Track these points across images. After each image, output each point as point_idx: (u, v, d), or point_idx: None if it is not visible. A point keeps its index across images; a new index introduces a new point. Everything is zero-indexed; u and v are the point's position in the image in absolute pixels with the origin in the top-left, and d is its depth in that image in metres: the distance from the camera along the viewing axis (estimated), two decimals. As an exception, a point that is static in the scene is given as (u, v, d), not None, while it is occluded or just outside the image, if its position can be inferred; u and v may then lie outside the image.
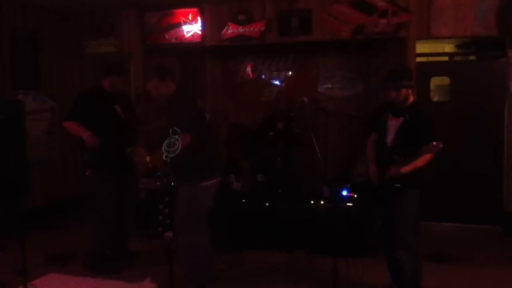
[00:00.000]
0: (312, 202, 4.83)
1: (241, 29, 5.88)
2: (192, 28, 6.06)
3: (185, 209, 3.69)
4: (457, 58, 6.17)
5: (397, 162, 3.44)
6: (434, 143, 3.26)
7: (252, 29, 5.85)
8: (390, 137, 3.60)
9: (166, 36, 6.16)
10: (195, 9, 6.04)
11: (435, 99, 5.70)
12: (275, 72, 6.70)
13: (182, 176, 3.65)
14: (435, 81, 5.69)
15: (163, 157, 3.46)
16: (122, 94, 4.55)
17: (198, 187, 3.68)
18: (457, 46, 6.30)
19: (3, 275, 4.05)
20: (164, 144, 3.40)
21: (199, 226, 3.73)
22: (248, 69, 6.80)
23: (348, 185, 4.91)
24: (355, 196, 4.73)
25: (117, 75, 4.40)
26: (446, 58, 6.08)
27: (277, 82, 6.69)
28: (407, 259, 3.61)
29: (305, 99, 5.43)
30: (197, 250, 3.72)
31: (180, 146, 3.34)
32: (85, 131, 4.13)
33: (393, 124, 3.61)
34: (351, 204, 4.63)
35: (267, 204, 4.90)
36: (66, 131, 4.48)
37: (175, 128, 3.40)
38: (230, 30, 5.92)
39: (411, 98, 3.58)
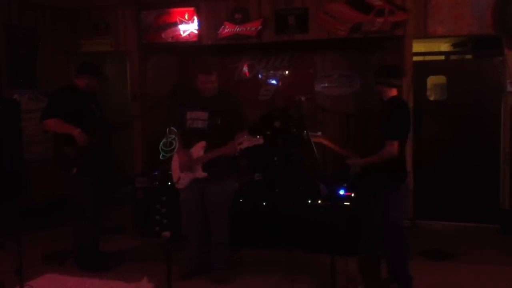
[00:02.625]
0: (310, 200, 4.83)
1: (237, 28, 5.86)
2: (188, 27, 6.04)
3: (230, 201, 4.06)
4: (453, 57, 6.19)
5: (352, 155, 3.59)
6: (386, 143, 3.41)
7: (248, 28, 5.83)
8: None
9: (163, 35, 6.14)
10: (192, 8, 6.02)
11: (432, 98, 5.71)
12: (272, 71, 6.70)
13: (230, 169, 3.98)
14: (431, 80, 5.69)
15: (160, 157, 3.48)
16: (94, 94, 4.43)
17: (234, 180, 4.14)
18: (454, 45, 6.32)
19: (1, 275, 4.03)
20: (161, 143, 3.41)
21: None
22: (245, 68, 6.79)
23: (345, 184, 4.91)
24: (352, 194, 4.73)
25: (94, 77, 4.30)
26: (442, 57, 6.09)
27: (274, 81, 6.68)
28: (391, 254, 3.65)
29: (302, 98, 5.42)
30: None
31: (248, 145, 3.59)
32: (74, 128, 4.02)
33: None
34: (348, 203, 4.63)
35: (265, 203, 4.89)
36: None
37: (172, 127, 3.42)
38: (227, 29, 5.91)
39: (389, 94, 3.60)
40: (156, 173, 5.25)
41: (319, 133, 3.99)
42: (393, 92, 3.62)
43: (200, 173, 3.83)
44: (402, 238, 3.65)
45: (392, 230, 3.61)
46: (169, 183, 4.93)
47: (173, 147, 3.42)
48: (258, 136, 3.62)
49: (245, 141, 3.60)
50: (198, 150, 3.84)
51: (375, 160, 3.50)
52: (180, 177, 3.94)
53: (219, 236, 4.01)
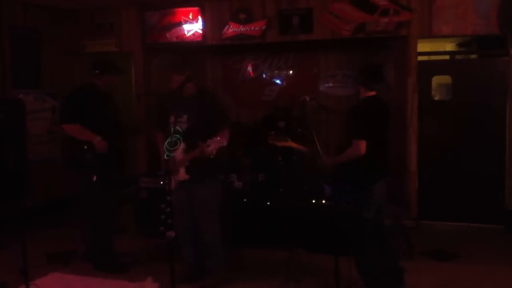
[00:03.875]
0: (313, 200, 4.82)
1: (242, 28, 5.87)
2: (193, 27, 6.05)
3: (217, 203, 3.96)
4: (458, 56, 6.17)
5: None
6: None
7: (253, 28, 5.83)
8: None
9: (167, 35, 6.16)
10: (196, 8, 6.03)
11: (436, 98, 5.69)
12: (276, 71, 6.69)
13: (212, 172, 3.90)
14: (436, 80, 5.67)
15: (165, 157, 3.47)
16: (109, 93, 4.43)
17: (221, 182, 4.07)
18: (459, 44, 6.29)
19: (5, 275, 4.04)
20: (166, 143, 3.40)
21: None
22: (249, 68, 6.79)
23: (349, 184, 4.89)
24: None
25: (113, 75, 4.32)
26: (447, 57, 6.07)
27: (278, 81, 6.68)
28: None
29: (307, 98, 5.42)
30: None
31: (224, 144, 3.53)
32: (94, 136, 4.03)
33: None
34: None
35: (268, 203, 4.89)
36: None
37: (177, 128, 3.42)
38: (231, 29, 5.91)
39: (365, 94, 3.66)
40: (160, 173, 5.25)
41: (288, 139, 3.99)
42: (371, 93, 3.65)
43: (183, 176, 3.77)
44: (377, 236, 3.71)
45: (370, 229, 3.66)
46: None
47: (177, 146, 3.40)
48: (224, 139, 3.58)
49: (212, 143, 3.52)
50: (179, 153, 3.76)
51: (343, 159, 3.58)
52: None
53: (210, 239, 3.94)
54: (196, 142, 3.66)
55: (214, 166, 3.88)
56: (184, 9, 6.07)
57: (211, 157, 3.59)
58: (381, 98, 3.74)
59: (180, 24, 6.10)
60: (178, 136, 3.48)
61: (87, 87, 4.31)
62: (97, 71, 4.28)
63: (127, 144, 4.52)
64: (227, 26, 5.93)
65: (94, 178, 4.07)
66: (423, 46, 5.66)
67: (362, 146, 3.44)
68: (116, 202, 4.51)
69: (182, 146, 3.74)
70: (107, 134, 4.09)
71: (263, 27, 5.82)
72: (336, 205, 4.64)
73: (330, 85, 6.52)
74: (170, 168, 3.73)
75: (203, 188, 3.85)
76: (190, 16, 6.05)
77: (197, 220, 3.95)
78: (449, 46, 6.42)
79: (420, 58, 5.53)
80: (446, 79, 5.65)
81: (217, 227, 3.96)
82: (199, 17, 6.03)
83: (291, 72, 6.67)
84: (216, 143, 3.52)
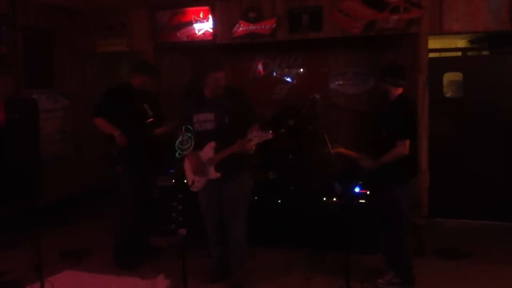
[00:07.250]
0: (324, 198, 4.82)
1: (252, 27, 5.89)
2: (203, 27, 6.09)
3: (248, 200, 4.00)
4: (470, 53, 6.11)
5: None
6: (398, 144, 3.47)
7: (263, 26, 5.85)
8: None
9: (178, 34, 6.20)
10: (206, 7, 6.06)
11: (448, 95, 5.65)
12: (286, 69, 6.69)
13: (243, 169, 3.90)
14: (448, 77, 5.64)
15: (176, 155, 3.50)
16: (148, 92, 4.55)
17: (249, 178, 4.03)
18: (470, 41, 6.24)
19: (19, 271, 4.10)
20: (177, 142, 3.43)
21: None
22: (259, 67, 6.80)
23: (360, 182, 4.89)
24: (368, 192, 4.72)
25: (148, 75, 4.45)
26: (459, 54, 6.02)
27: (288, 79, 6.68)
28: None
29: (317, 96, 5.42)
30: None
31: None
32: (115, 129, 4.19)
33: None
34: (363, 201, 4.62)
35: (279, 201, 4.90)
36: (95, 126, 4.42)
37: (188, 126, 3.44)
38: (241, 28, 5.93)
39: (396, 93, 3.68)
40: (172, 171, 5.28)
41: (337, 144, 3.99)
42: (399, 91, 3.70)
43: (214, 174, 3.76)
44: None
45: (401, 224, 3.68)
46: (185, 181, 4.96)
47: (189, 145, 3.42)
48: (269, 131, 3.55)
49: (255, 137, 3.51)
50: (208, 151, 3.77)
51: (387, 160, 3.56)
52: (194, 180, 3.91)
53: (237, 236, 3.94)
54: (227, 141, 3.67)
55: (245, 162, 3.89)
56: (194, 8, 6.11)
57: (251, 153, 3.61)
58: (408, 96, 3.80)
59: (190, 23, 6.14)
60: (189, 134, 3.50)
61: (120, 86, 4.50)
62: (133, 71, 4.46)
63: (159, 139, 4.58)
64: (237, 25, 5.95)
65: (119, 168, 4.25)
66: (434, 43, 5.63)
67: (407, 145, 3.50)
68: (148, 197, 4.59)
69: (210, 145, 3.74)
70: (137, 131, 4.24)
71: (273, 26, 5.83)
72: (348, 203, 4.65)
73: (340, 83, 6.50)
74: (198, 167, 3.76)
75: (234, 185, 3.84)
76: (201, 15, 6.08)
77: (225, 217, 3.93)
78: (461, 43, 6.38)
79: (431, 55, 5.50)
80: (457, 76, 5.61)
81: (245, 223, 3.97)
82: (210, 16, 6.06)
83: (301, 70, 6.67)
84: (259, 137, 3.50)
